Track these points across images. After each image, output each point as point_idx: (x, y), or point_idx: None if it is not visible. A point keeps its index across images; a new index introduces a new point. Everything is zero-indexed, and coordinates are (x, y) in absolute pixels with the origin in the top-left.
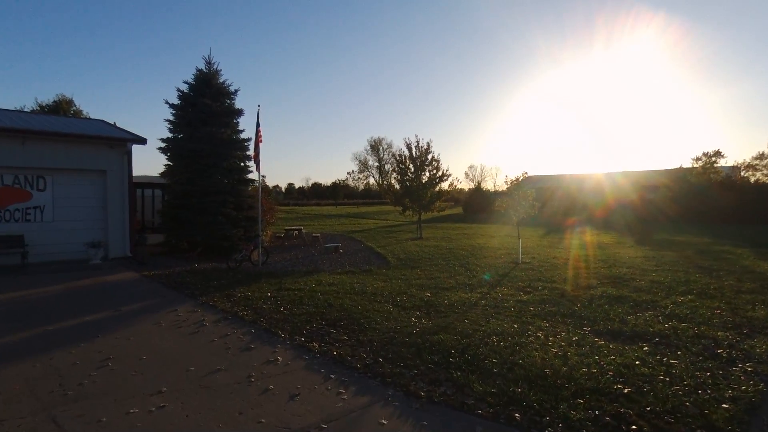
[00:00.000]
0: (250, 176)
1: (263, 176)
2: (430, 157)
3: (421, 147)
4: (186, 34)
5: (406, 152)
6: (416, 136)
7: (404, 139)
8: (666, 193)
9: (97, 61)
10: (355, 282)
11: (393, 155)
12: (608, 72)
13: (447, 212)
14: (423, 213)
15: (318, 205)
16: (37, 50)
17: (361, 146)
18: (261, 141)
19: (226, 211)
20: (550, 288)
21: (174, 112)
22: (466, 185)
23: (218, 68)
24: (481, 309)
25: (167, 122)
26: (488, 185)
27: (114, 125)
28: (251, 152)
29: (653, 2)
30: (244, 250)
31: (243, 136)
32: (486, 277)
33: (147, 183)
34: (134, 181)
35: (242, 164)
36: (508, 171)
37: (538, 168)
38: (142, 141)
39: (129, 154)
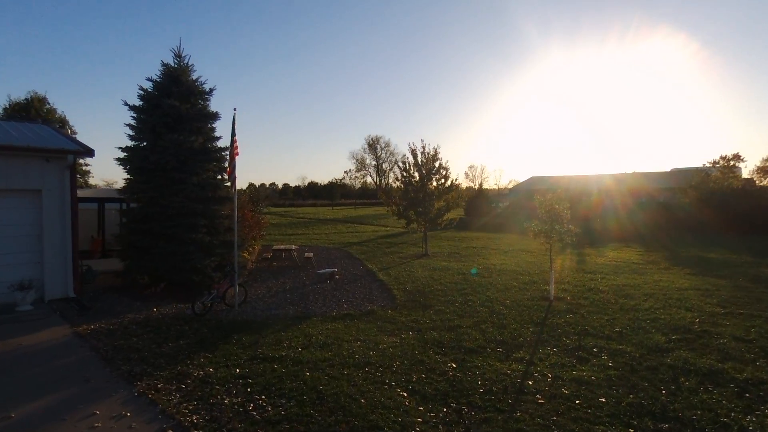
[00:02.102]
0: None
1: (251, 184)
2: (437, 164)
3: (428, 153)
4: (176, 28)
5: (411, 158)
6: (422, 140)
7: (409, 144)
8: (682, 199)
9: (78, 56)
10: (355, 338)
11: (391, 153)
12: (615, 72)
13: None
14: (430, 227)
15: (314, 205)
16: (11, 45)
17: (359, 144)
18: (237, 153)
19: (197, 237)
20: (608, 351)
21: (135, 115)
22: (465, 185)
23: (189, 62)
24: (534, 401)
25: (128, 127)
26: (490, 186)
27: (60, 131)
28: (224, 163)
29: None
30: (216, 290)
31: (220, 144)
32: (473, 271)
33: (111, 198)
34: (97, 195)
35: (218, 178)
36: (510, 171)
37: (540, 168)
38: (89, 153)
39: (71, 168)
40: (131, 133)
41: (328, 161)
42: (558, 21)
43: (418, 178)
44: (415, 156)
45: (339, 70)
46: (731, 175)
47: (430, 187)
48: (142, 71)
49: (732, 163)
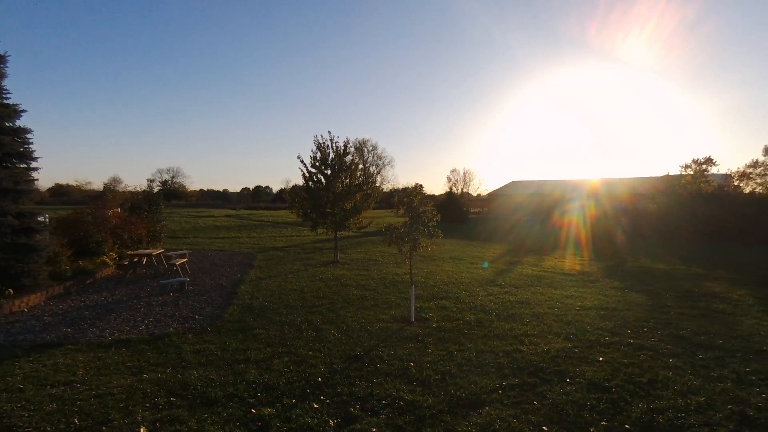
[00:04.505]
0: (30, 184)
1: (130, 185)
2: (348, 159)
3: (338, 148)
4: (181, 28)
5: (318, 154)
6: (330, 133)
7: (314, 137)
8: (650, 205)
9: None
10: (67, 381)
11: (379, 156)
12: (600, 76)
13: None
14: (339, 231)
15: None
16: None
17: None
18: None
19: None
20: (398, 404)
21: None
22: (445, 189)
23: None
24: None
25: None
26: (475, 191)
27: None
28: (29, 148)
29: (647, 8)
30: None
31: (19, 123)
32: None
33: None
34: None
35: (4, 165)
36: (489, 176)
37: (527, 173)
38: None
39: None
40: None
41: None
42: (548, 27)
43: (328, 173)
44: (321, 150)
45: (330, 74)
46: (702, 179)
47: (338, 186)
48: (135, 68)
49: (704, 167)
